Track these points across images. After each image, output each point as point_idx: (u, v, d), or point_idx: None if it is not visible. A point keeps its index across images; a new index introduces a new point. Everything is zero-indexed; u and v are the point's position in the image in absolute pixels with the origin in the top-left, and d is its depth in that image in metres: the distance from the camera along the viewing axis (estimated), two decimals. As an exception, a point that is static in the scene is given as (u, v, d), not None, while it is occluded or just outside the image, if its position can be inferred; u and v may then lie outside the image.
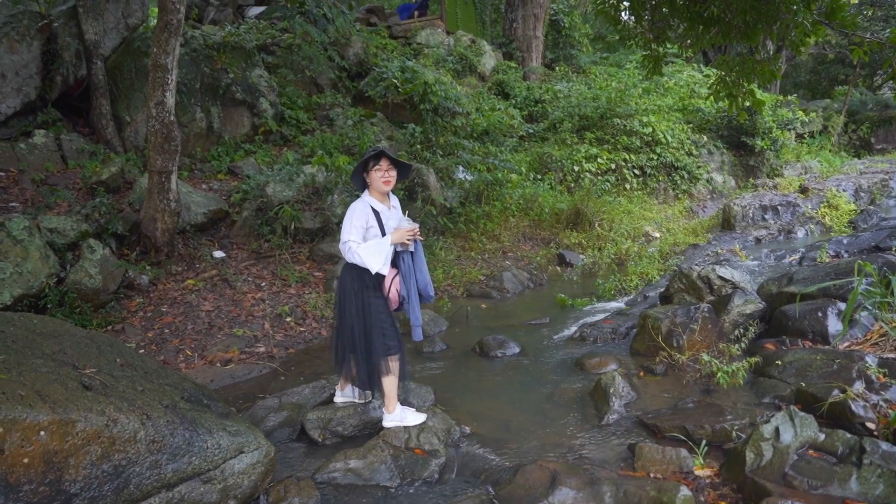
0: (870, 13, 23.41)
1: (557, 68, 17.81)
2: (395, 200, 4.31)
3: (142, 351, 5.86)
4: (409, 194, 9.04)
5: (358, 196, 4.22)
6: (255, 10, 13.19)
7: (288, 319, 6.86)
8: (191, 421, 3.27)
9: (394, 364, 4.12)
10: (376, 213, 4.07)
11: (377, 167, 4.05)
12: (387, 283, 4.14)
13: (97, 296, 6.31)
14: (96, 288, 6.29)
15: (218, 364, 5.86)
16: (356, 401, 4.45)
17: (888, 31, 5.92)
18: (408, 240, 4.06)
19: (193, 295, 6.97)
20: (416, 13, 16.71)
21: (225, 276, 7.38)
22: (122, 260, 6.83)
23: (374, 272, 3.95)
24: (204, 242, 7.91)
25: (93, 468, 2.81)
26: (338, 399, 4.50)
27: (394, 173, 4.13)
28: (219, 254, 7.79)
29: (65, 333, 3.66)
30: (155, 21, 7.42)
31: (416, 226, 4.10)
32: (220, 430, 3.38)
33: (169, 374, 3.86)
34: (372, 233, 4.03)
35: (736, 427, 3.95)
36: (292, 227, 8.13)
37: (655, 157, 12.95)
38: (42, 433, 2.70)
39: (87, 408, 2.87)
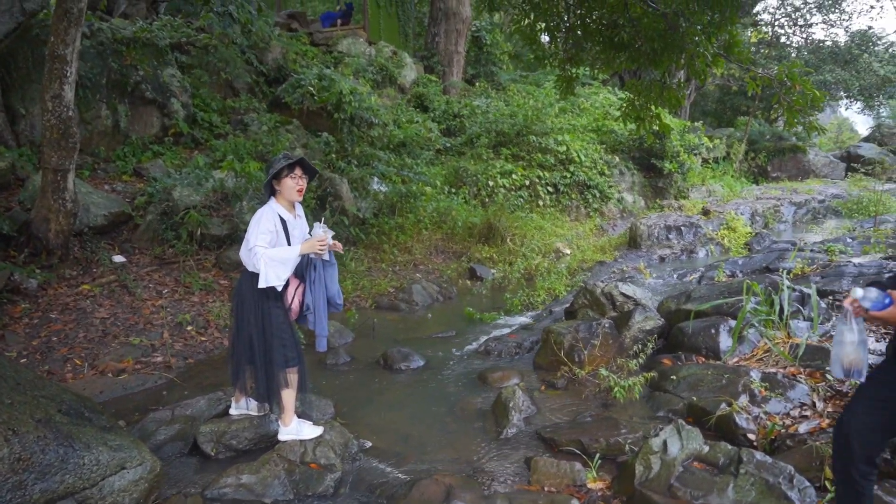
0: (766, 52, 25.07)
1: (478, 84, 18.05)
2: (300, 210, 4.22)
3: (24, 360, 5.49)
4: (321, 203, 8.91)
5: (263, 203, 4.10)
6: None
7: (189, 328, 6.60)
8: (66, 436, 3.08)
9: (292, 376, 4.03)
10: (283, 221, 3.97)
11: (292, 175, 3.95)
12: (289, 293, 4.04)
13: (-24, 300, 5.89)
14: (-24, 291, 5.87)
15: (109, 374, 5.55)
16: (252, 413, 4.32)
17: (776, 69, 6.37)
18: (320, 250, 3.92)
19: (88, 301, 6.61)
20: (339, 21, 16.59)
21: (124, 281, 7.03)
22: (7, 262, 6.40)
23: (266, 286, 3.79)
24: (103, 246, 7.52)
25: (-56, 490, 2.59)
26: (233, 411, 4.35)
27: (305, 182, 4.05)
28: (119, 258, 7.43)
29: (-73, 341, 3.38)
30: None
31: (330, 235, 3.96)
32: (101, 444, 3.20)
33: (46, 385, 3.63)
34: (277, 241, 3.93)
35: (629, 440, 4.07)
36: (198, 232, 7.85)
37: (569, 175, 13.30)
38: None
39: (-58, 422, 2.66)
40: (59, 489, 2.92)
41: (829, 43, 25.61)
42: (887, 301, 2.57)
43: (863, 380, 2.74)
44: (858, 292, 2.65)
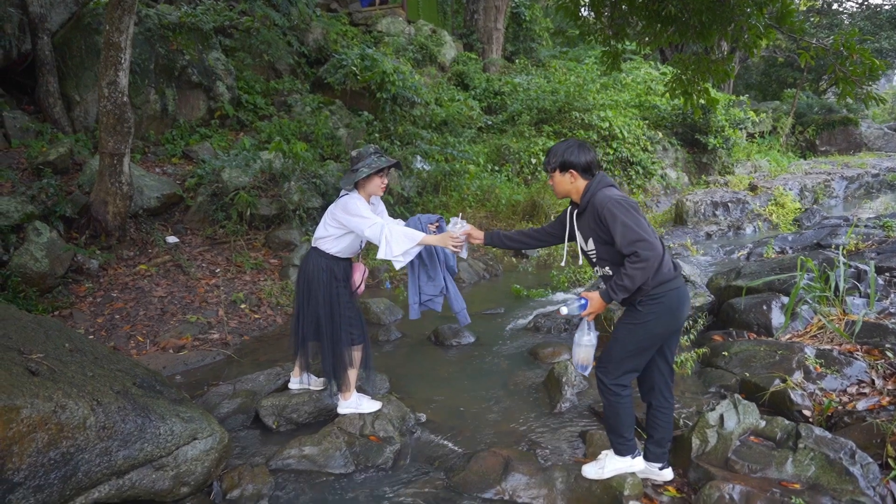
0: (816, 20, 24.23)
1: (517, 61, 17.88)
2: (375, 199, 4.24)
3: (91, 337, 5.72)
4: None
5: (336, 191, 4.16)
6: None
7: (242, 306, 6.78)
8: (143, 407, 3.22)
9: (357, 354, 4.13)
10: None
11: (381, 174, 4.00)
12: (357, 277, 4.14)
13: (43, 280, 6.13)
14: (42, 272, 6.11)
15: (171, 350, 5.76)
16: (311, 388, 4.45)
17: (832, 38, 6.18)
18: (454, 247, 3.82)
19: (145, 280, 6.84)
20: (377, 1, 16.57)
21: (178, 261, 7.25)
22: (70, 243, 6.64)
23: (386, 257, 3.75)
24: (157, 227, 7.75)
25: (39, 456, 2.74)
26: (292, 385, 4.49)
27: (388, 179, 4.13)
28: (172, 239, 7.65)
29: (9, 318, 3.55)
30: (107, -3, 7.19)
31: (466, 232, 3.83)
32: (174, 416, 3.34)
33: (120, 359, 3.79)
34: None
35: (683, 415, 4.08)
36: (248, 213, 8.02)
37: (612, 152, 13.15)
38: (-16, 420, 2.63)
39: (33, 394, 2.80)
40: (140, 456, 3.07)
41: (887, 7, 24.58)
42: (583, 302, 3.18)
43: (587, 374, 3.41)
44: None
